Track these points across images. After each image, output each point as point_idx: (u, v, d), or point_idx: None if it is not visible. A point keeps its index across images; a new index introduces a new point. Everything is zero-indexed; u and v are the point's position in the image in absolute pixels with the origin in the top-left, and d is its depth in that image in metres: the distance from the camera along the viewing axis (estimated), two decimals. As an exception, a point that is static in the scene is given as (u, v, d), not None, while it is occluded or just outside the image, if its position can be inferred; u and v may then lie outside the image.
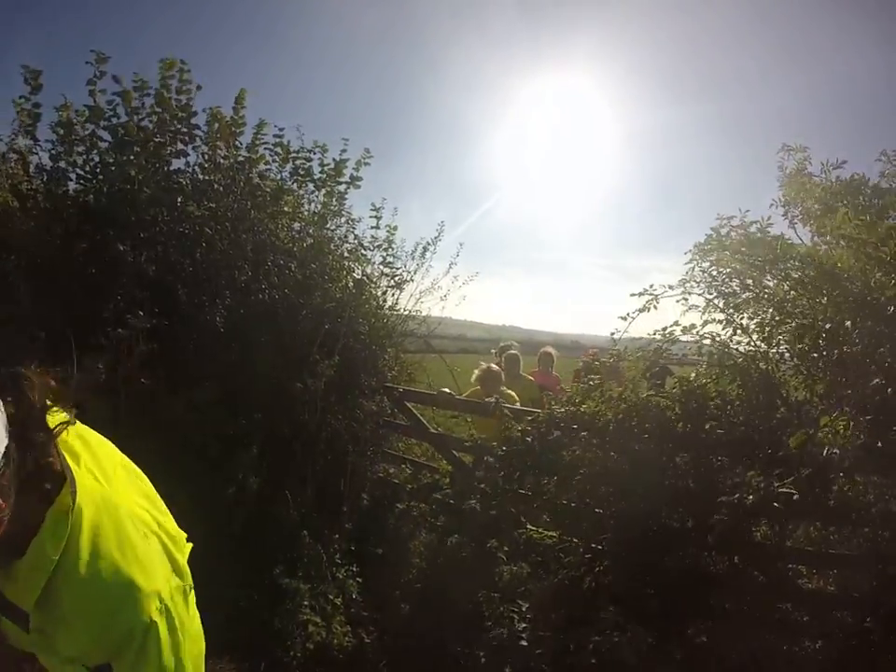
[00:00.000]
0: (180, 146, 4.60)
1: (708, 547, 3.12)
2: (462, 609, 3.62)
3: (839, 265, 3.26)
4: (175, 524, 1.24)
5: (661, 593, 2.94)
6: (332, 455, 4.63)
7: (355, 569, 4.00)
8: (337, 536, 4.26)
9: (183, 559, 1.23)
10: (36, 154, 4.38)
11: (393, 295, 5.64)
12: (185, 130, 4.61)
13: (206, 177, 4.69)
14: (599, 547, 3.48)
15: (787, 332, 3.46)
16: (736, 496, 2.86)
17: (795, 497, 2.64)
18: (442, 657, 3.17)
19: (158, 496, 1.24)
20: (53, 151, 4.30)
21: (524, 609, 3.28)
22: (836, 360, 3.21)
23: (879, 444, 2.71)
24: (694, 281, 3.76)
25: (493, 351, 6.87)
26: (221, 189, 4.57)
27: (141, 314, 3.68)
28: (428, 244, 5.90)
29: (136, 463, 3.36)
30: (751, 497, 2.76)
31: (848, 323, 3.23)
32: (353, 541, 4.39)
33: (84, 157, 4.37)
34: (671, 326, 3.59)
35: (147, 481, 1.24)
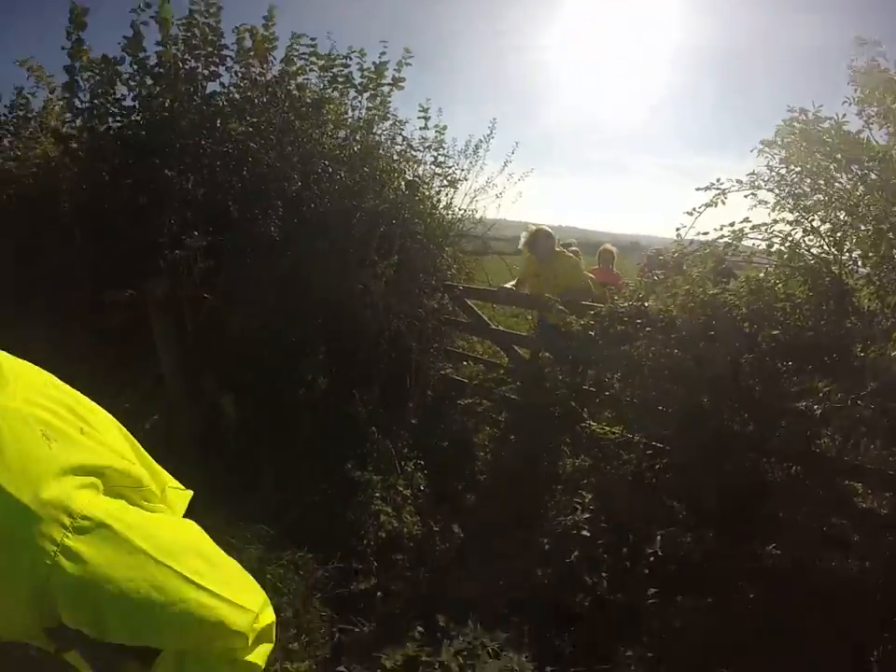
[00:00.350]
0: (213, 68, 4.50)
1: (768, 453, 3.12)
2: (525, 500, 3.80)
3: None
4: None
5: (718, 494, 2.97)
6: (396, 354, 4.73)
7: (422, 463, 4.19)
8: (404, 431, 4.43)
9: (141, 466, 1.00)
10: (77, 97, 4.38)
11: (447, 194, 5.53)
12: (215, 52, 4.50)
13: (245, 94, 4.60)
14: (660, 445, 3.53)
15: (860, 239, 3.23)
16: (803, 403, 2.82)
17: (862, 412, 2.57)
18: (508, 543, 3.34)
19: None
20: (90, 90, 4.29)
21: (587, 500, 3.40)
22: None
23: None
24: (762, 179, 3.55)
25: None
26: (261, 104, 4.49)
27: (195, 233, 3.76)
28: (480, 141, 5.71)
29: (206, 375, 3.57)
30: (818, 407, 2.71)
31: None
32: (419, 436, 4.56)
33: (122, 91, 4.37)
34: (740, 222, 3.43)
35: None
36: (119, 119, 4.40)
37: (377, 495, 3.74)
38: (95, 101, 4.33)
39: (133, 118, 4.39)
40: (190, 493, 1.16)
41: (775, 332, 3.09)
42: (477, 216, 5.95)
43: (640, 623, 2.41)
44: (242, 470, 3.69)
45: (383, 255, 4.46)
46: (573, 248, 6.31)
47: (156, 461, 2.59)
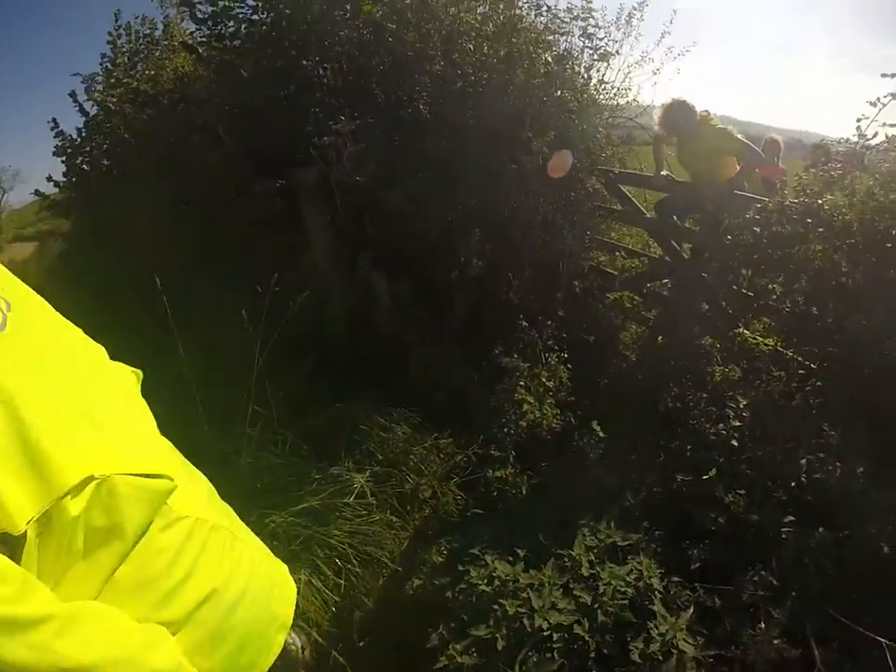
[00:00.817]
0: None
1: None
2: (670, 403, 3.73)
3: None
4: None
5: (874, 429, 2.74)
6: (549, 238, 4.64)
7: (566, 355, 4.18)
8: (550, 321, 4.43)
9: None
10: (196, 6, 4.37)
11: (598, 70, 5.12)
12: None
13: None
14: (814, 365, 3.27)
15: None
16: None
17: None
18: (649, 446, 3.32)
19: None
20: None
21: (740, 407, 3.27)
22: None
23: None
24: None
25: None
26: None
27: (342, 118, 3.79)
28: (634, 9, 5.14)
29: (359, 257, 3.71)
30: None
31: None
32: (565, 328, 4.51)
33: None
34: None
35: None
36: (245, 18, 4.38)
37: (521, 383, 3.79)
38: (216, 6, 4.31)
39: (258, 15, 4.37)
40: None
41: None
42: (631, 95, 5.50)
43: (772, 550, 2.37)
44: (392, 351, 3.88)
45: (536, 132, 4.29)
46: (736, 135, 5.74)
47: (307, 343, 2.80)
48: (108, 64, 6.24)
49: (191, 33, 4.62)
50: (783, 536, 2.40)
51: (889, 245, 2.77)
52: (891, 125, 3.00)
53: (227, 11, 4.29)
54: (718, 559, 2.44)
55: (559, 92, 4.54)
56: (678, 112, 4.56)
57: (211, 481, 1.16)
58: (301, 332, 2.82)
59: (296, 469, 2.66)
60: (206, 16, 4.32)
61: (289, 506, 2.38)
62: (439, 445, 3.27)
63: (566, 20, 4.84)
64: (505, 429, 3.53)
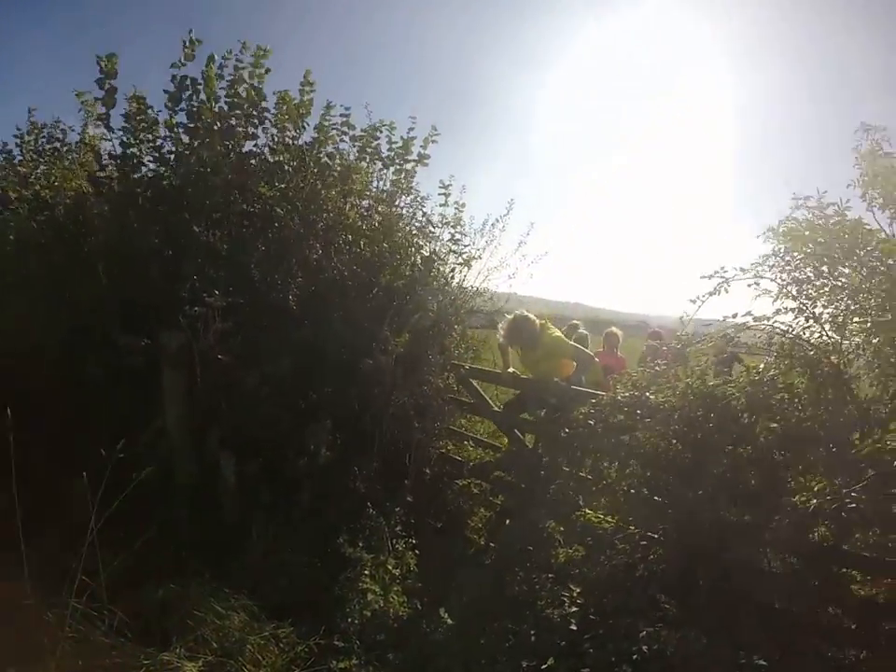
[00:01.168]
0: (251, 129, 4.79)
1: (765, 544, 3.16)
2: (516, 587, 3.80)
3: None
4: None
5: (712, 586, 3.01)
6: (399, 430, 4.83)
7: (413, 541, 4.20)
8: (398, 508, 4.47)
9: None
10: (109, 141, 4.63)
11: (461, 272, 5.76)
12: (255, 113, 4.78)
13: (276, 158, 4.87)
14: (655, 535, 3.56)
15: (861, 326, 3.34)
16: (800, 498, 2.88)
17: (857, 505, 2.64)
18: (495, 631, 3.33)
19: None
20: (125, 138, 4.49)
21: (575, 594, 3.42)
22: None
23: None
24: (767, 265, 3.65)
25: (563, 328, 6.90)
26: (291, 169, 4.75)
27: (216, 292, 3.94)
28: (497, 220, 5.99)
29: (210, 432, 3.69)
30: (814, 501, 2.78)
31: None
32: (413, 514, 4.58)
33: (158, 142, 4.59)
34: (743, 315, 3.54)
35: None
36: (153, 168, 4.62)
37: (366, 572, 3.75)
38: (129, 150, 4.53)
39: (166, 169, 4.61)
40: None
41: (773, 424, 3.15)
42: (489, 292, 6.16)
43: None
44: (234, 532, 3.73)
45: (395, 331, 4.63)
46: (581, 331, 6.50)
47: (149, 511, 2.66)
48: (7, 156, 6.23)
49: (98, 168, 4.66)
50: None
51: (710, 424, 3.21)
52: (707, 324, 3.58)
53: (137, 158, 4.51)
54: None
55: (421, 292, 5.01)
56: (520, 325, 5.07)
57: (29, 649, 1.11)
58: (143, 501, 2.68)
59: (122, 649, 2.40)
60: (117, 154, 4.51)
61: (110, 694, 2.13)
62: (278, 635, 3.08)
63: (438, 225, 5.53)
64: (349, 619, 3.44)
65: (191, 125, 4.54)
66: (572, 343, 5.38)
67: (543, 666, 2.81)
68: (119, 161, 4.50)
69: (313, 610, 3.38)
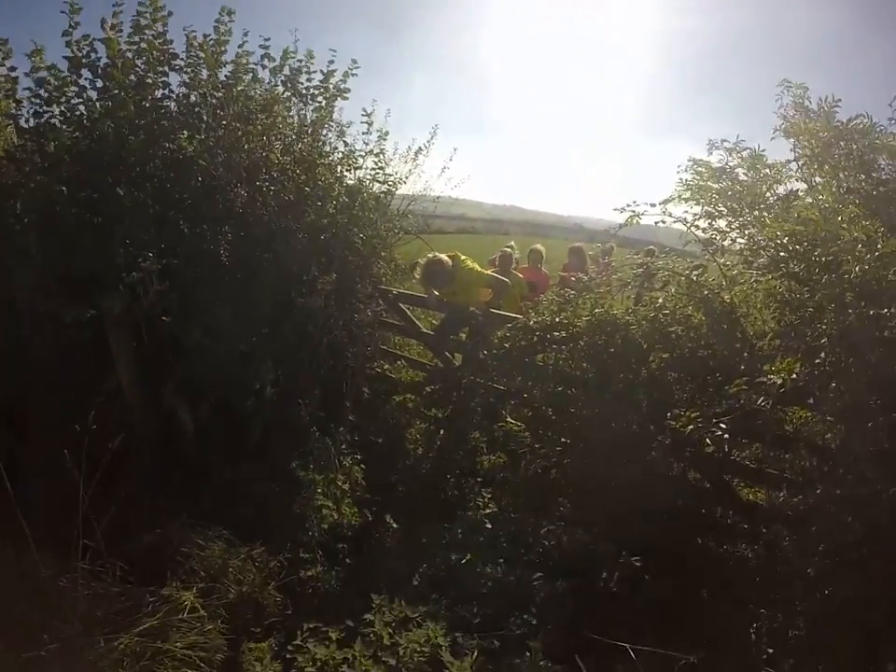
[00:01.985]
0: (161, 78, 4.84)
1: (663, 451, 3.76)
2: (449, 491, 4.56)
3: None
4: None
5: (607, 491, 3.77)
6: (334, 360, 5.38)
7: (359, 457, 4.87)
8: (342, 429, 5.11)
9: None
10: (21, 115, 4.62)
11: (386, 198, 6.12)
12: (163, 58, 4.82)
13: (193, 98, 4.95)
14: (567, 441, 4.26)
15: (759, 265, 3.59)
16: (678, 422, 3.47)
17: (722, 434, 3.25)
18: (432, 531, 4.09)
19: None
20: (38, 107, 4.53)
21: (487, 499, 4.21)
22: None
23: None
24: (679, 199, 3.89)
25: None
26: (209, 117, 4.89)
27: (151, 255, 4.25)
28: (421, 148, 6.33)
29: (164, 387, 4.16)
30: (690, 427, 3.39)
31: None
32: (356, 432, 5.26)
33: (70, 106, 4.61)
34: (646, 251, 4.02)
35: None
36: (68, 134, 4.64)
37: (319, 490, 4.39)
38: (41, 120, 4.56)
39: (82, 134, 4.65)
40: None
41: (664, 355, 3.74)
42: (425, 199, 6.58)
43: (530, 601, 3.28)
44: (199, 473, 4.28)
45: (322, 269, 5.06)
46: (506, 249, 7.07)
47: (117, 469, 3.12)
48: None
49: (14, 144, 4.69)
50: (535, 587, 3.28)
51: (612, 349, 3.85)
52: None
53: (52, 127, 4.57)
54: (490, 612, 3.24)
55: (347, 223, 5.38)
56: (432, 269, 5.60)
57: (51, 615, 1.56)
58: (111, 461, 3.16)
59: (130, 594, 3.00)
60: (30, 127, 4.56)
61: (132, 628, 2.74)
62: (253, 556, 3.71)
63: (361, 154, 5.82)
64: (310, 533, 4.12)
65: (100, 85, 4.60)
66: (488, 272, 5.96)
67: (463, 560, 3.59)
68: (33, 133, 4.56)
69: (278, 530, 3.99)
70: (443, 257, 5.61)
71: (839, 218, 3.10)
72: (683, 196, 3.86)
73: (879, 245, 2.87)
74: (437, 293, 5.75)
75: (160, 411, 4.44)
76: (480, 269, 5.84)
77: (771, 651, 3.16)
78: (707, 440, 3.14)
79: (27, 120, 4.60)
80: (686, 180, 3.89)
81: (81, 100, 4.63)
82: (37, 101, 4.51)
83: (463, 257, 5.72)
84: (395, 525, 4.29)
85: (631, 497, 3.62)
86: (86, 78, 4.59)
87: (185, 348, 4.46)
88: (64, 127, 4.63)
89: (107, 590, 2.96)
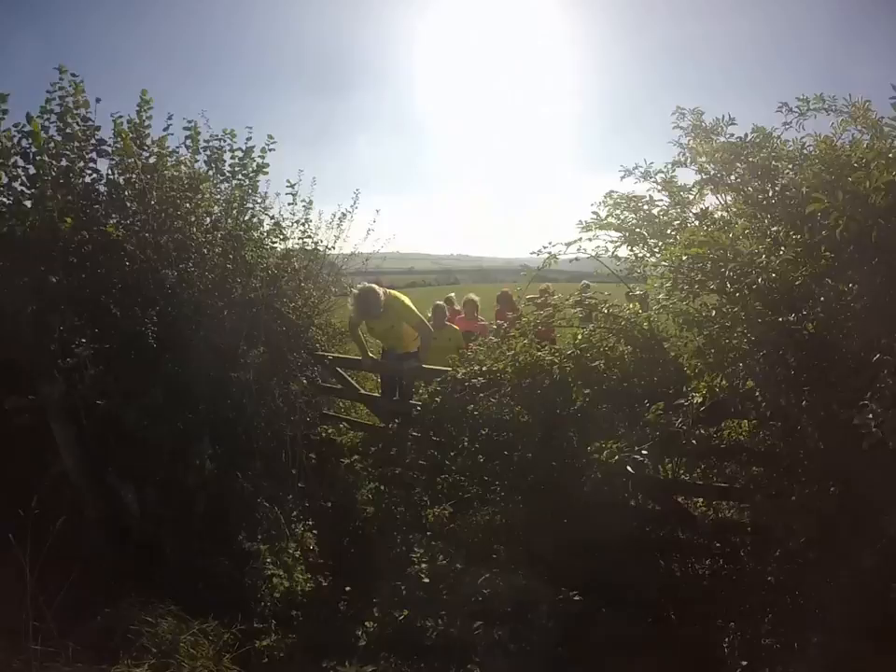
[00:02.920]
0: (90, 164, 5.12)
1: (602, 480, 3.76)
2: (397, 550, 4.71)
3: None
4: None
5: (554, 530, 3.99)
6: (272, 430, 5.56)
7: (310, 523, 5.05)
8: (290, 496, 5.27)
9: None
10: None
11: (315, 265, 6.44)
12: (89, 145, 5.10)
13: (122, 182, 5.19)
14: (508, 485, 4.44)
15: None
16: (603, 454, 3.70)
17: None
18: (382, 591, 4.22)
19: None
20: None
21: (434, 553, 4.38)
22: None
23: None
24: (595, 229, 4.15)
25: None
26: (134, 205, 5.14)
27: (83, 341, 4.45)
28: (344, 213, 6.73)
29: (110, 468, 4.28)
30: (616, 457, 3.61)
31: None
32: (306, 498, 5.43)
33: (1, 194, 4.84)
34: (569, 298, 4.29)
35: None
36: (1, 223, 4.78)
37: (269, 560, 4.53)
38: None
39: (11, 222, 4.80)
40: None
41: (586, 391, 3.95)
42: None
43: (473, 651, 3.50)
44: (148, 552, 4.40)
45: (252, 342, 5.29)
46: (438, 303, 7.39)
47: (65, 551, 3.24)
48: None
49: None
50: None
51: (538, 391, 4.06)
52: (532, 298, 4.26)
53: None
54: (436, 665, 3.53)
55: (274, 298, 5.65)
56: (364, 297, 5.71)
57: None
58: (59, 543, 3.27)
59: (84, 673, 3.09)
60: None
61: (85, 708, 2.84)
62: (206, 630, 3.81)
63: (288, 224, 6.18)
64: (262, 603, 4.25)
65: (32, 173, 4.83)
66: (453, 326, 6.29)
67: (401, 617, 3.80)
68: None
69: (230, 603, 4.10)
70: (375, 286, 5.77)
71: (738, 231, 3.39)
72: (593, 228, 4.16)
73: (782, 250, 3.15)
74: (368, 326, 5.99)
75: (105, 492, 4.54)
76: (412, 306, 6.02)
77: (745, 663, 3.33)
78: (629, 467, 3.37)
79: None
80: (598, 213, 4.18)
81: (11, 191, 4.83)
82: None
83: (396, 293, 6.01)
84: (347, 588, 4.42)
85: (578, 531, 3.85)
86: (17, 166, 4.81)
87: (125, 430, 4.59)
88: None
89: (61, 669, 3.04)
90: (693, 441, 3.54)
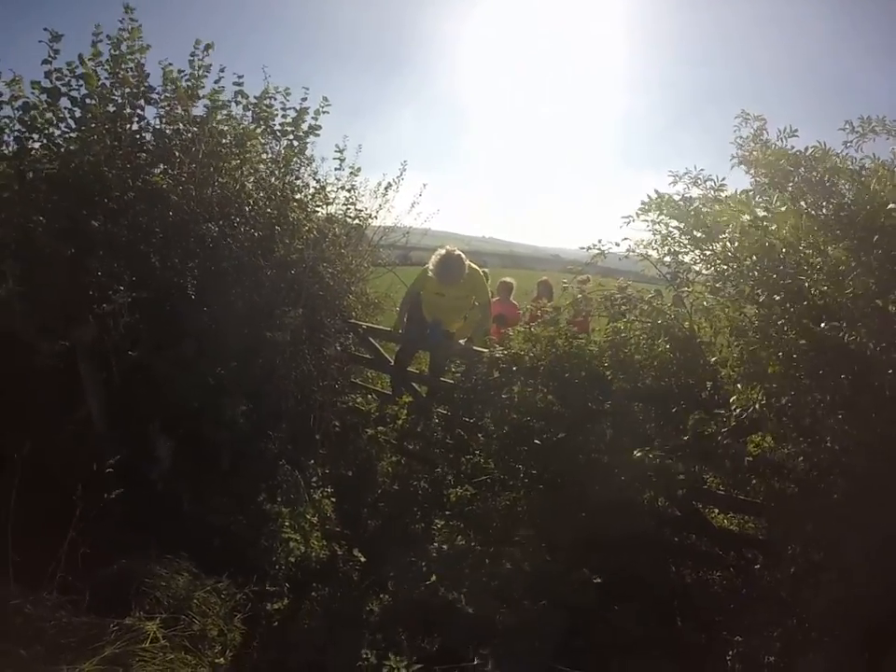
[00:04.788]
0: (137, 110, 5.07)
1: (630, 480, 3.76)
2: (418, 524, 4.65)
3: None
4: None
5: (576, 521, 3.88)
6: (302, 393, 5.50)
7: (329, 490, 4.98)
8: (312, 461, 5.22)
9: None
10: (4, 141, 4.82)
11: (357, 233, 6.34)
12: (140, 91, 5.05)
13: (168, 132, 5.17)
14: (533, 472, 4.38)
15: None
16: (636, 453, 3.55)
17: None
18: (398, 565, 4.17)
19: None
20: (20, 134, 4.72)
21: (455, 531, 4.31)
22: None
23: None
24: (642, 239, 3.97)
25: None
26: (181, 155, 5.04)
27: (121, 288, 4.39)
28: (390, 183, 6.59)
29: (135, 417, 4.25)
30: (649, 456, 3.48)
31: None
32: (327, 465, 5.37)
33: (49, 136, 4.81)
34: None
35: None
36: (46, 163, 4.77)
37: (286, 523, 4.46)
38: (21, 145, 4.76)
39: (60, 163, 4.79)
40: None
41: (627, 386, 3.88)
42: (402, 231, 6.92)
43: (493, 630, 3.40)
44: (167, 503, 4.36)
45: (291, 302, 5.20)
46: (484, 270, 7.26)
47: (84, 495, 3.23)
48: None
49: None
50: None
51: (576, 380, 4.00)
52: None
53: (30, 154, 4.73)
54: (451, 643, 3.35)
55: (315, 261, 5.55)
56: (450, 261, 5.40)
57: (16, 642, 1.68)
58: (81, 491, 3.26)
59: (93, 623, 3.06)
60: (10, 152, 4.74)
61: (94, 656, 2.80)
62: (218, 588, 3.77)
63: (332, 189, 6.09)
64: (276, 566, 4.19)
65: (78, 116, 4.78)
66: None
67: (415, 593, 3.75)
68: (13, 160, 4.71)
69: (244, 563, 4.05)
70: (462, 254, 5.50)
71: (801, 245, 3.21)
72: (644, 237, 3.97)
73: (842, 268, 3.01)
74: (438, 292, 5.66)
75: (128, 440, 4.51)
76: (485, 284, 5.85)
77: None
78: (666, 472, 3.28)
79: (8, 147, 4.78)
80: (648, 219, 3.94)
81: (60, 130, 4.82)
82: (20, 129, 4.69)
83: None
84: (362, 559, 4.36)
85: (596, 525, 3.73)
86: (65, 108, 4.78)
87: (154, 380, 4.56)
88: (44, 155, 4.78)
89: (71, 619, 3.03)
90: (728, 462, 3.51)
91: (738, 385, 3.28)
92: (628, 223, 3.93)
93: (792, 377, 3.08)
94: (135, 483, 4.42)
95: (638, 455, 3.52)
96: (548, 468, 4.14)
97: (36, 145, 4.79)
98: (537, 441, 4.19)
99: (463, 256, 5.47)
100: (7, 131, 4.72)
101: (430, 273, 5.47)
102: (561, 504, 3.99)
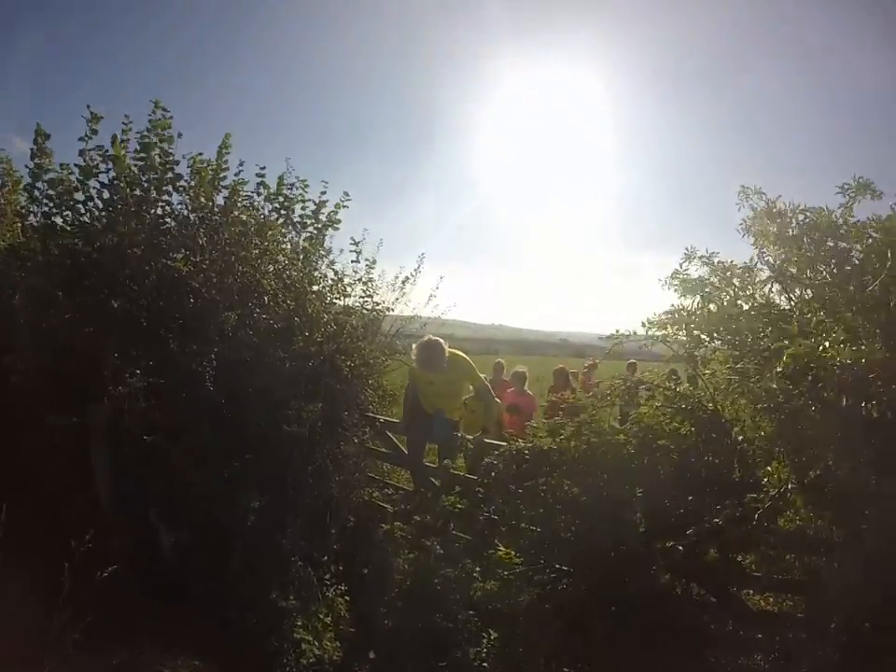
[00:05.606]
0: (164, 196, 5.18)
1: (664, 570, 3.65)
2: (440, 624, 4.33)
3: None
4: None
5: (620, 612, 3.61)
6: (318, 488, 5.28)
7: (343, 588, 4.69)
8: (326, 558, 4.95)
9: None
10: (33, 213, 5.00)
11: (374, 326, 6.31)
12: (168, 178, 5.17)
13: (191, 219, 5.26)
14: (564, 568, 4.13)
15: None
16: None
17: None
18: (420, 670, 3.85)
19: None
20: (47, 209, 4.87)
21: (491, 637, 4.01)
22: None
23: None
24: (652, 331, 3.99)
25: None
26: (204, 241, 5.11)
27: (138, 371, 4.31)
28: (408, 277, 6.64)
29: (142, 506, 4.06)
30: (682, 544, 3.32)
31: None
32: (341, 562, 5.08)
33: (76, 213, 4.95)
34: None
35: None
36: (71, 240, 4.89)
37: (299, 623, 4.18)
38: (48, 221, 4.90)
39: (84, 241, 4.88)
40: None
41: (659, 470, 3.74)
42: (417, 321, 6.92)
43: None
44: (175, 597, 4.09)
45: (309, 396, 5.10)
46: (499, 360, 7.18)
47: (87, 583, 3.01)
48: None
49: (22, 239, 5.01)
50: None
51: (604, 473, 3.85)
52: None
53: (56, 229, 4.83)
54: None
55: (333, 353, 5.47)
56: (431, 349, 5.43)
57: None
58: (81, 573, 3.05)
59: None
60: (39, 225, 4.86)
61: None
62: (228, 691, 3.50)
63: (350, 283, 6.09)
64: (287, 669, 3.87)
65: (106, 197, 4.92)
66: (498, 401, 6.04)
67: None
68: (40, 233, 4.84)
69: (254, 663, 3.78)
70: (441, 339, 5.53)
71: (822, 337, 3.11)
72: (662, 330, 3.97)
73: (863, 347, 2.92)
74: (426, 383, 5.68)
75: (137, 527, 4.32)
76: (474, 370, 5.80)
77: None
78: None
79: (36, 219, 4.91)
80: (662, 314, 3.97)
81: (87, 208, 4.93)
82: (47, 203, 4.82)
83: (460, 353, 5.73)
84: (379, 661, 4.04)
85: (629, 622, 3.48)
86: (93, 188, 4.92)
87: (167, 468, 4.41)
88: (69, 230, 4.90)
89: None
90: (763, 546, 3.42)
91: (769, 468, 3.22)
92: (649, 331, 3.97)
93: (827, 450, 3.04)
94: (144, 572, 4.20)
95: (670, 544, 3.34)
96: (576, 562, 3.88)
97: (59, 220, 4.91)
98: (563, 536, 3.97)
99: (441, 341, 5.50)
100: (36, 203, 4.88)
101: (414, 363, 5.56)
102: (595, 599, 3.73)
